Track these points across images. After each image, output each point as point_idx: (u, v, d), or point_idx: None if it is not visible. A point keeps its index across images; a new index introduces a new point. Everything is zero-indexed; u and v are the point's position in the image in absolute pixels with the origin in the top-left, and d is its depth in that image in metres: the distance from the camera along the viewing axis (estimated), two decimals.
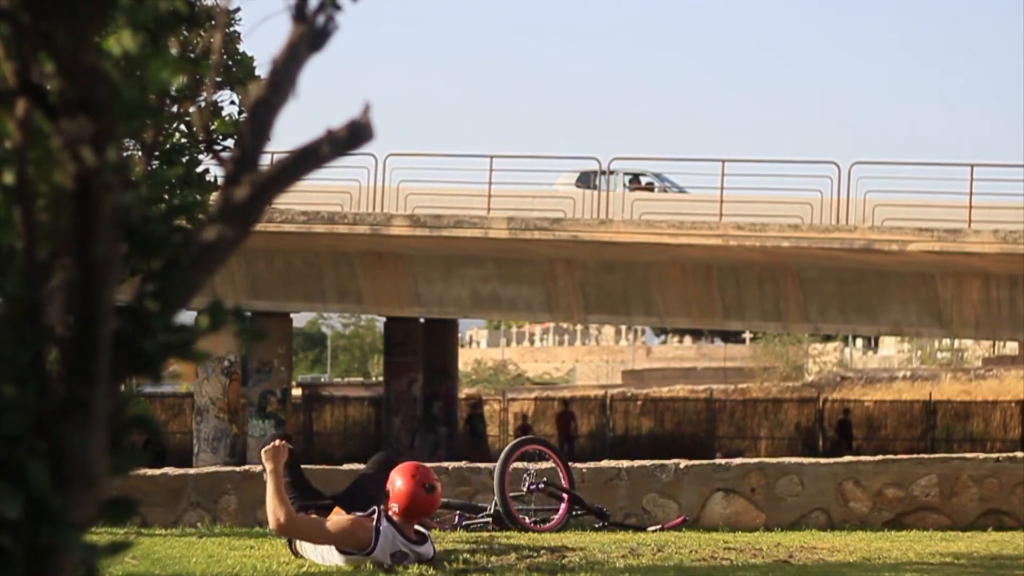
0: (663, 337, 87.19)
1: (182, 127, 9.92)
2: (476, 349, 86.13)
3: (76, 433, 2.06)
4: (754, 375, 56.29)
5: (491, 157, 29.58)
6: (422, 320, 34.93)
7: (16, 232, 2.08)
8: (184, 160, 10.07)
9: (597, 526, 10.80)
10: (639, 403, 42.63)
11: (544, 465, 11.28)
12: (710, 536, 10.43)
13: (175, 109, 3.20)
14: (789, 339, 58.05)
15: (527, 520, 10.43)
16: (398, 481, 7.96)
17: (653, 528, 10.91)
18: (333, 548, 7.94)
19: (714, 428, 41.61)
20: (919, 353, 67.44)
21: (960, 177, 27.58)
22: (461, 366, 51.68)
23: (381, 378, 43.59)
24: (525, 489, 10.68)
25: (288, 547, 8.34)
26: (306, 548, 8.15)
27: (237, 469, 12.13)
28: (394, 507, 7.92)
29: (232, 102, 10.47)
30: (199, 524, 11.17)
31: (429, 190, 30.14)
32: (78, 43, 2.00)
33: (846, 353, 72.43)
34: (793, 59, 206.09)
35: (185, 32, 2.40)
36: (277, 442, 8.14)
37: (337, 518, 8.00)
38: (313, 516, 8.09)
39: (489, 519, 10.44)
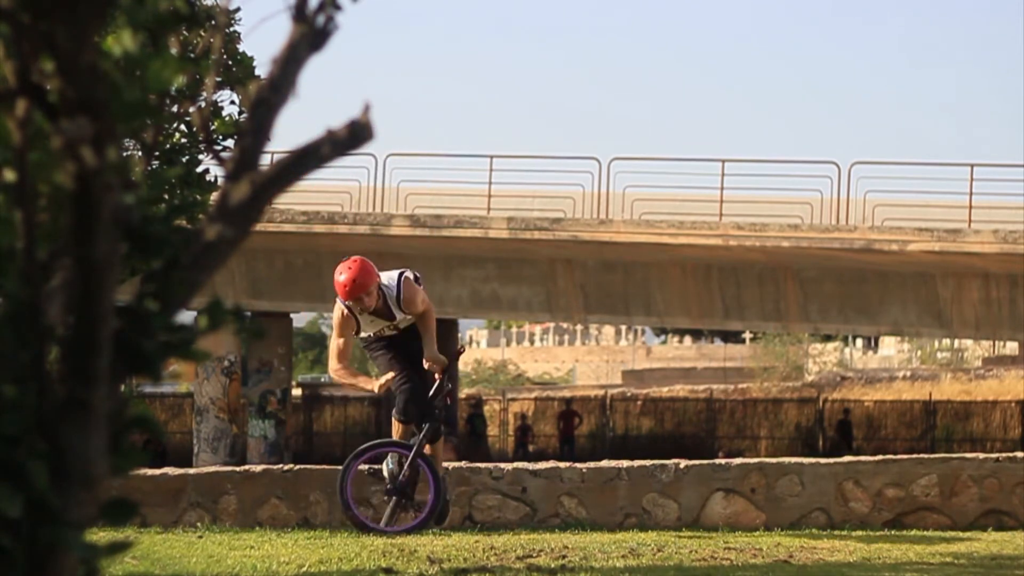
0: (663, 337, 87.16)
1: (182, 127, 9.91)
2: (476, 349, 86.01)
3: (76, 433, 2.06)
4: (754, 375, 56.24)
5: (491, 157, 29.60)
6: None
7: (16, 232, 2.07)
8: (184, 160, 10.06)
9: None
10: (639, 403, 42.61)
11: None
12: (710, 536, 10.43)
13: (175, 109, 3.20)
14: (789, 339, 58.01)
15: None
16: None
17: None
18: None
19: (714, 428, 41.59)
20: (919, 353, 67.40)
21: (960, 177, 27.62)
22: (461, 366, 51.66)
23: None
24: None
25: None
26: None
27: (237, 469, 12.12)
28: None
29: (232, 102, 10.45)
30: (199, 524, 11.16)
31: (429, 190, 30.14)
32: (78, 43, 2.00)
33: (846, 353, 72.39)
34: (793, 59, 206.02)
35: (185, 32, 2.40)
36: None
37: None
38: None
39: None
